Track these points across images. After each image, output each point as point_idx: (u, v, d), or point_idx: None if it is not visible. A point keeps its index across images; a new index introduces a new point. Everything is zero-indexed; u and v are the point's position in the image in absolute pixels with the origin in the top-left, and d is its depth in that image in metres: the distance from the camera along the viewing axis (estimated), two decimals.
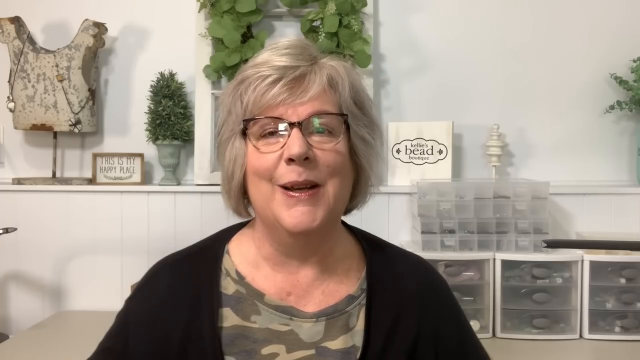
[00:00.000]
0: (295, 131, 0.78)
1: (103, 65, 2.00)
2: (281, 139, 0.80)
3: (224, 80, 1.92)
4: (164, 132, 1.88)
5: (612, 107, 1.91)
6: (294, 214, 0.79)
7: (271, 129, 0.80)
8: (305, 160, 0.78)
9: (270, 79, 0.80)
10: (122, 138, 2.00)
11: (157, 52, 1.98)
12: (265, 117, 0.80)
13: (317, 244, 0.86)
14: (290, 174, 0.79)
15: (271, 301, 0.85)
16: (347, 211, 0.92)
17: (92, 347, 0.89)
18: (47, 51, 1.91)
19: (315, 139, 0.80)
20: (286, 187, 0.80)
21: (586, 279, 1.65)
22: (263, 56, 0.83)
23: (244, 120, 0.82)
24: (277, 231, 0.84)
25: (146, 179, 1.95)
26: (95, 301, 1.87)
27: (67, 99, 1.88)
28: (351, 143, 0.84)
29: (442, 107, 1.97)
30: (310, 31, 1.85)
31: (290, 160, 0.78)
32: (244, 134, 0.83)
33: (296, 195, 0.79)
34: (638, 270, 1.65)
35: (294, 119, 0.79)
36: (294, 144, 0.78)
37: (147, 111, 1.91)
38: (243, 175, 0.84)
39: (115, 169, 1.93)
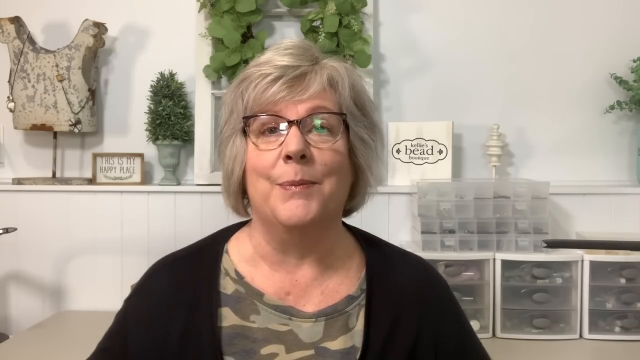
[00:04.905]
0: (294, 129, 0.79)
1: (103, 65, 2.00)
2: (280, 137, 0.80)
3: (224, 80, 1.92)
4: (164, 132, 1.88)
5: (612, 107, 1.91)
6: (289, 207, 0.79)
7: (270, 127, 0.81)
8: (302, 158, 0.79)
9: (270, 77, 0.80)
10: (122, 138, 2.00)
11: (157, 52, 1.98)
12: (265, 115, 0.81)
13: (313, 240, 0.85)
14: (287, 173, 0.79)
15: (270, 301, 0.85)
16: (346, 213, 0.92)
17: (92, 347, 0.89)
18: (47, 51, 1.91)
19: (313, 137, 0.81)
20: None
21: (586, 279, 1.65)
22: (265, 56, 0.84)
23: (244, 118, 0.83)
24: (273, 227, 0.84)
25: (146, 179, 1.95)
26: (95, 301, 1.87)
27: (67, 99, 1.88)
28: (350, 143, 0.84)
29: (442, 107, 1.97)
30: (310, 31, 1.85)
31: (288, 158, 0.78)
32: (245, 131, 0.83)
33: (292, 188, 0.79)
34: (638, 270, 1.65)
35: (293, 117, 0.80)
36: (292, 141, 0.78)
37: (147, 111, 1.91)
38: (242, 173, 0.85)
39: (115, 169, 1.93)
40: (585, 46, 1.96)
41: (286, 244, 0.86)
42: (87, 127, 1.91)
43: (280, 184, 0.80)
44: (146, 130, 1.92)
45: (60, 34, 1.97)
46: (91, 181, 1.92)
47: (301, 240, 0.85)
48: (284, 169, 0.79)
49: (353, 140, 0.84)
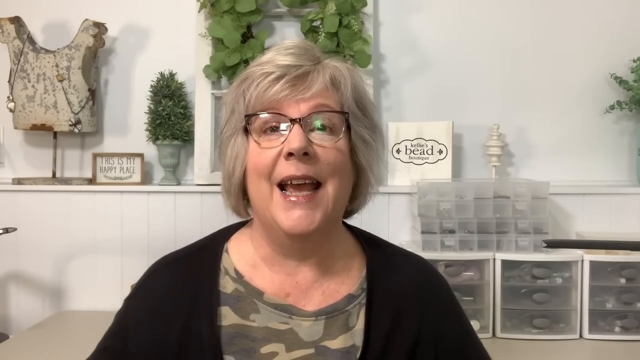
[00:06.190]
0: (296, 127, 0.79)
1: (103, 65, 2.00)
2: (282, 136, 0.80)
3: (224, 80, 1.92)
4: (164, 132, 1.88)
5: (612, 107, 1.91)
6: (292, 217, 0.79)
7: (272, 125, 0.81)
8: (304, 156, 0.79)
9: (273, 76, 0.80)
10: (122, 138, 2.00)
11: (157, 52, 1.98)
12: (267, 113, 0.81)
13: (315, 245, 0.85)
14: (288, 167, 0.79)
15: (270, 299, 0.85)
16: (347, 214, 0.92)
17: (92, 347, 0.89)
18: (47, 51, 1.91)
19: (315, 136, 0.81)
20: (284, 188, 0.80)
21: (586, 279, 1.65)
22: (267, 56, 0.84)
23: (246, 116, 0.83)
24: (274, 232, 0.83)
25: (146, 179, 1.95)
26: (95, 301, 1.87)
27: (67, 99, 1.88)
28: (352, 143, 0.84)
29: (442, 107, 1.97)
30: (310, 31, 1.85)
31: (290, 155, 0.78)
32: (246, 130, 0.83)
33: (294, 199, 0.79)
34: (638, 270, 1.65)
35: (295, 115, 0.80)
36: (294, 138, 0.78)
37: (147, 111, 1.91)
38: (243, 173, 0.84)
39: (115, 169, 1.93)
40: (585, 46, 1.96)
41: (287, 247, 0.85)
42: (87, 127, 1.91)
43: (280, 181, 0.80)
44: (146, 130, 1.92)
45: (60, 34, 1.97)
46: (91, 181, 1.92)
47: (303, 245, 0.85)
48: (285, 164, 0.79)
49: (354, 139, 0.84)
